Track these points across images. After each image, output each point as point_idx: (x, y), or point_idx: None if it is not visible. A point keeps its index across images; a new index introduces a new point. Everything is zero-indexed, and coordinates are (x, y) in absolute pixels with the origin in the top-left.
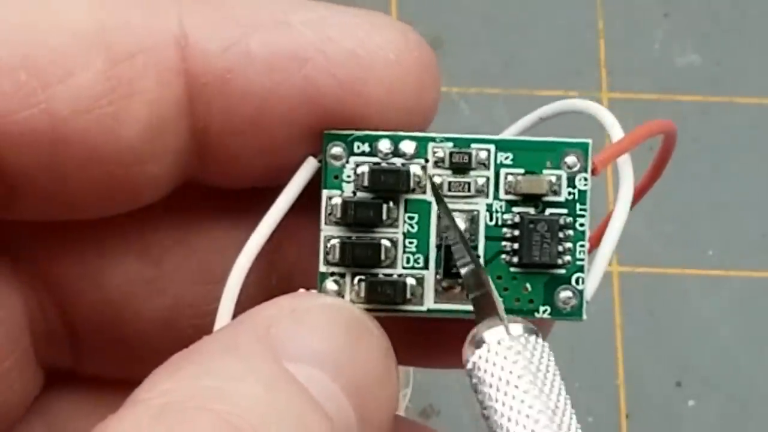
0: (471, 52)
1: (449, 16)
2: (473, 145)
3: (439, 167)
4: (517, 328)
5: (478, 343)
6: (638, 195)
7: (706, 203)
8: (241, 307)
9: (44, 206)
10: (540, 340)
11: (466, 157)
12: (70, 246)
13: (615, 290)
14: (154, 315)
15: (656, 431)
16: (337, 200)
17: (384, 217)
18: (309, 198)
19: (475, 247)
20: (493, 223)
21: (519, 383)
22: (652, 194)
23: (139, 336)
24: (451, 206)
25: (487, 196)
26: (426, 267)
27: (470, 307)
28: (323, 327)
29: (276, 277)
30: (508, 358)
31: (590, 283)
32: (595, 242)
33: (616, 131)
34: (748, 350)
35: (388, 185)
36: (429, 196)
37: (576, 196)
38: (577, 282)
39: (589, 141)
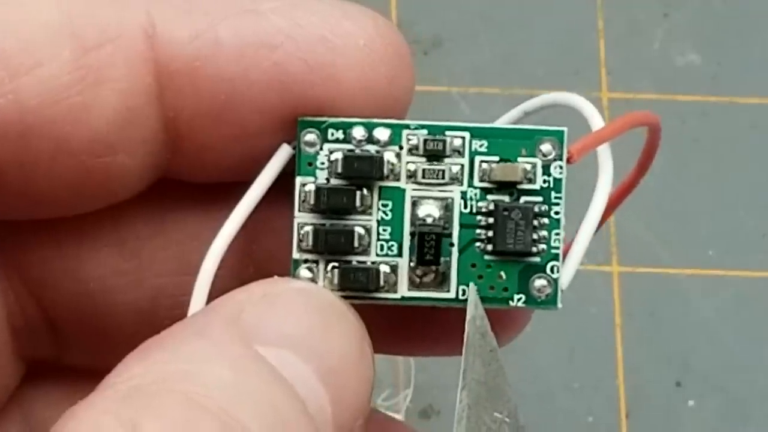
0: (470, 51)
1: (449, 15)
2: (448, 133)
3: (413, 154)
4: None
5: None
6: (625, 192)
7: (706, 203)
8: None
9: (15, 203)
10: None
11: (441, 145)
12: (46, 239)
13: (615, 290)
14: (133, 306)
15: (656, 431)
16: (310, 187)
17: (357, 204)
18: (286, 189)
19: (450, 235)
20: (468, 210)
21: None
22: (653, 194)
23: (118, 327)
24: (425, 193)
25: (461, 183)
26: (400, 255)
27: (444, 295)
28: (295, 310)
29: (254, 267)
30: None
31: (566, 272)
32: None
33: (596, 123)
34: (748, 350)
35: (362, 172)
36: (403, 184)
37: (551, 184)
38: (552, 270)
39: (564, 129)
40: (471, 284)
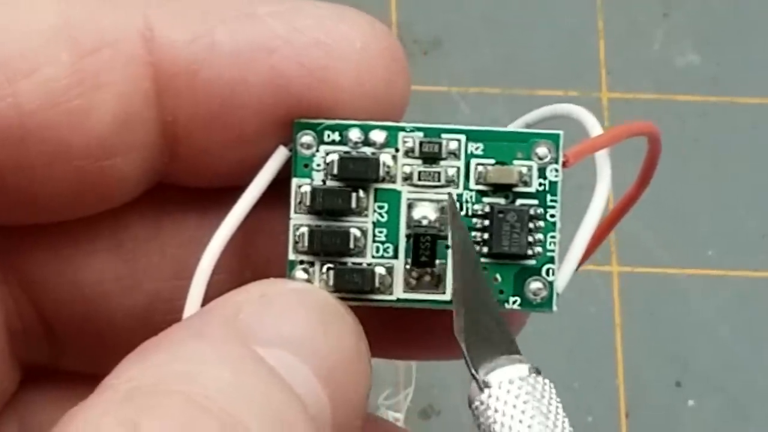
0: (471, 52)
1: (449, 16)
2: (444, 135)
3: (409, 157)
4: (523, 369)
5: (485, 384)
6: (629, 203)
7: (706, 203)
8: None
9: (12, 207)
10: (545, 380)
11: (436, 147)
12: (44, 243)
13: (615, 290)
14: (129, 311)
15: (656, 431)
16: (306, 188)
17: (353, 205)
18: (282, 192)
19: (445, 237)
20: (464, 213)
21: (531, 425)
22: (652, 194)
23: (115, 332)
24: (421, 196)
25: (457, 186)
26: (396, 256)
27: (439, 297)
28: (292, 310)
29: (250, 270)
30: (518, 401)
31: (562, 275)
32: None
33: (596, 134)
34: (748, 350)
35: (358, 174)
36: (399, 186)
37: (547, 187)
38: (547, 273)
39: (560, 132)
40: (449, 192)
